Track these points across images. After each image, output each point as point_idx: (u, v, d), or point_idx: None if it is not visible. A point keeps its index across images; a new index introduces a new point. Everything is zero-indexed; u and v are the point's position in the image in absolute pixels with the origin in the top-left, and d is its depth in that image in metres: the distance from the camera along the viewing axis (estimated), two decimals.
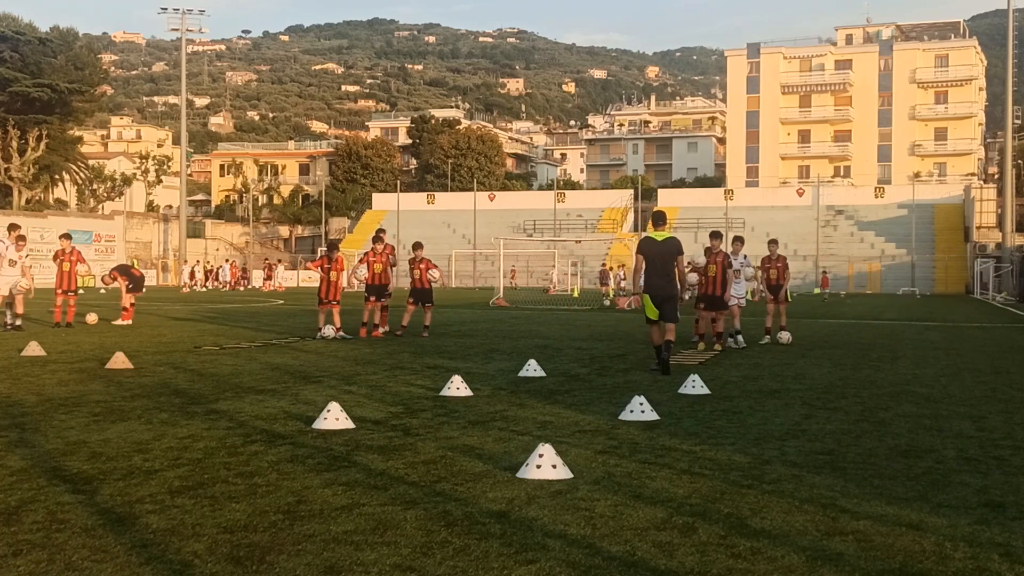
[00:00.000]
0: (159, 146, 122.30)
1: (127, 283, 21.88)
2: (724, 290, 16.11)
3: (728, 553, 4.34)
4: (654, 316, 12.13)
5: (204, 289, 59.03)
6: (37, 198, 78.81)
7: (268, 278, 62.83)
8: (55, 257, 20.40)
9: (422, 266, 18.43)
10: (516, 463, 6.11)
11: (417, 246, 18.66)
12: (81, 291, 24.38)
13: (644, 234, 12.81)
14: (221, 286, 63.20)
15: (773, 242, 17.89)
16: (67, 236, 21.00)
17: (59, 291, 20.29)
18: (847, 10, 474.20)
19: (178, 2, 74.05)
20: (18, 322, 18.60)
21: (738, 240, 17.42)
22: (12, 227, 19.38)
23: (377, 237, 18.54)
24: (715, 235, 16.49)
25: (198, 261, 70.47)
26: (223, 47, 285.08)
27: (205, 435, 7.19)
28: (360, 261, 18.50)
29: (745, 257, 17.24)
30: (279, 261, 74.76)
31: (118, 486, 5.49)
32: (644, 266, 12.27)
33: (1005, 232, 60.23)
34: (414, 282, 18.53)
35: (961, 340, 18.81)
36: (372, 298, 18.07)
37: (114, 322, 21.12)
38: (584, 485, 5.63)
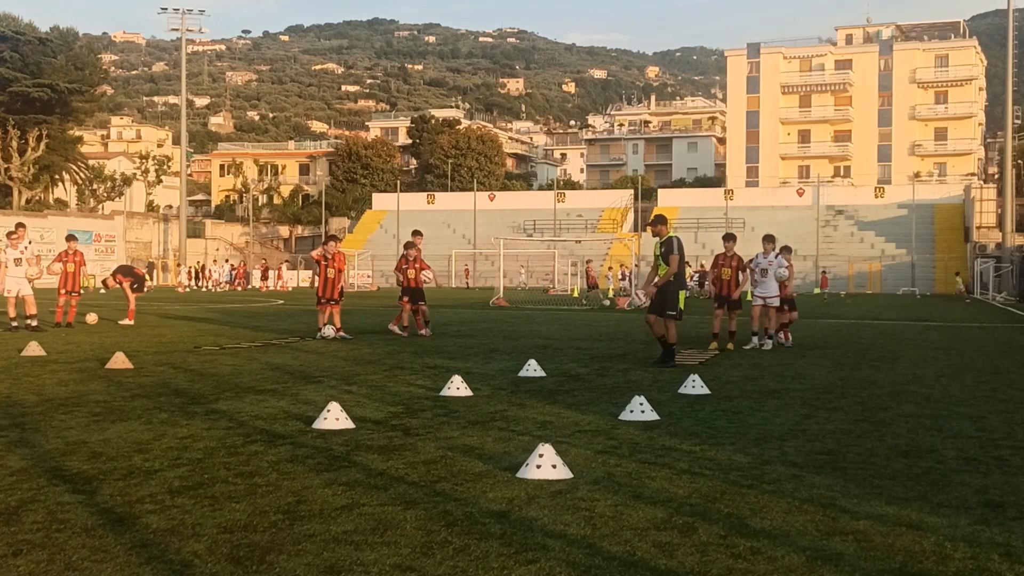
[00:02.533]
0: (159, 146, 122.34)
1: (131, 283, 21.96)
2: (738, 291, 16.10)
3: (728, 553, 4.34)
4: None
5: (212, 289, 58.99)
6: (37, 198, 78.80)
7: (264, 279, 62.94)
8: (59, 258, 20.39)
9: (417, 265, 18.41)
10: (516, 463, 6.11)
11: (409, 245, 18.64)
12: (81, 290, 24.28)
13: (676, 235, 12.86)
14: (223, 287, 63.19)
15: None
16: (73, 238, 21.04)
17: (62, 291, 20.31)
18: (847, 10, 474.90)
19: (178, 2, 74.10)
20: (33, 323, 18.51)
21: (768, 240, 16.52)
22: (18, 226, 19.26)
23: (417, 232, 18.85)
24: (729, 237, 16.36)
25: (215, 260, 70.46)
26: (223, 47, 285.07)
27: (205, 435, 7.19)
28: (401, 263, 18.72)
29: (777, 256, 16.44)
30: (268, 265, 74.68)
31: (118, 486, 5.49)
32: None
33: (1005, 232, 60.23)
34: (408, 281, 18.47)
35: (961, 340, 18.80)
36: (406, 299, 18.29)
37: (120, 322, 21.14)
38: (584, 485, 5.63)
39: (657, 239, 12.67)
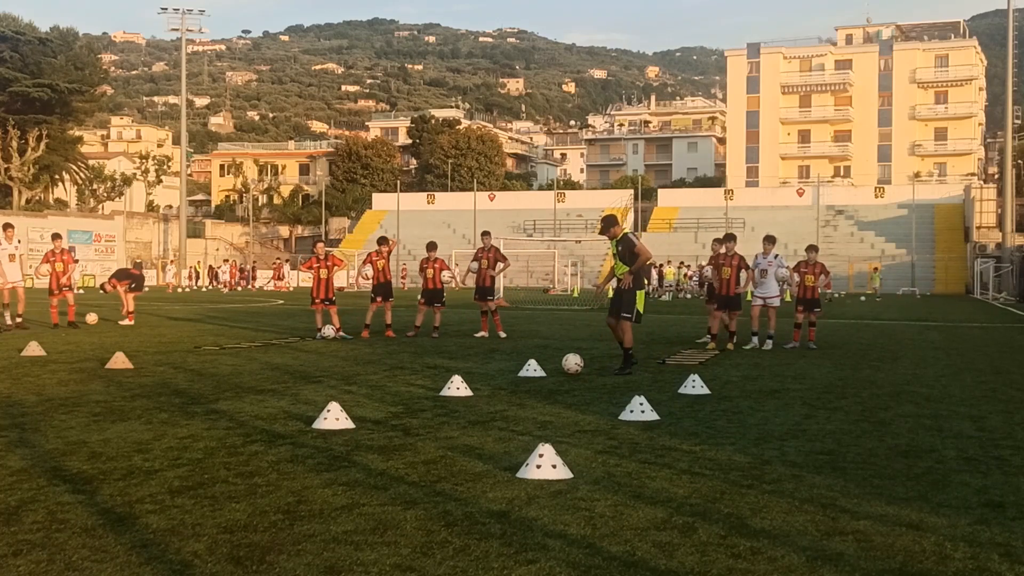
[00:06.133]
0: (159, 146, 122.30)
1: (129, 284, 21.95)
2: (737, 291, 16.07)
3: (728, 553, 4.34)
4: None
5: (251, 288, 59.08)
6: (37, 198, 78.82)
7: (247, 278, 63.31)
8: (45, 258, 20.34)
9: (436, 266, 18.37)
10: (516, 463, 6.12)
11: (431, 247, 18.61)
12: (81, 291, 24.28)
13: (636, 233, 12.46)
14: (222, 287, 63.16)
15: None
16: (58, 236, 20.92)
17: (54, 291, 20.19)
18: (847, 10, 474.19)
19: (178, 2, 74.03)
20: (16, 320, 18.50)
21: (769, 240, 16.53)
22: (6, 226, 19.37)
23: (486, 232, 18.91)
24: (729, 237, 16.35)
25: (226, 260, 70.49)
26: (223, 47, 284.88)
27: (205, 435, 7.19)
28: (473, 259, 18.61)
29: (777, 256, 16.48)
30: (282, 261, 74.66)
31: (118, 486, 5.49)
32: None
33: (1005, 232, 60.22)
34: (426, 282, 18.48)
35: (961, 340, 18.80)
36: (477, 297, 18.31)
37: (120, 322, 21.10)
38: (584, 485, 5.63)
39: (612, 240, 12.00)
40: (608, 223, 12.14)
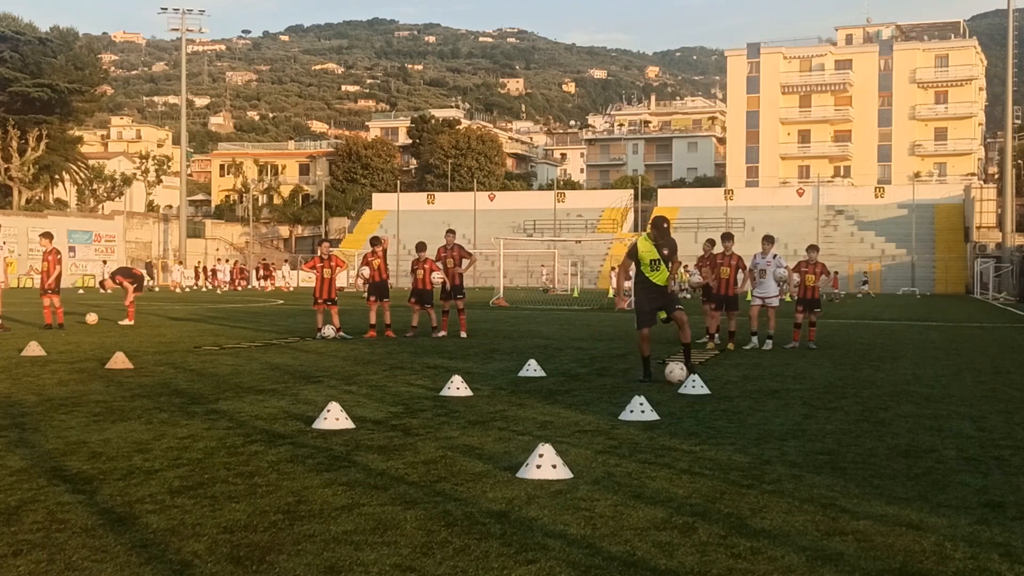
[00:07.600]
0: (159, 146, 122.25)
1: (131, 283, 22.00)
2: (736, 291, 16.07)
3: (728, 553, 4.34)
4: None
5: (207, 289, 59.07)
6: (37, 198, 78.82)
7: (247, 278, 63.38)
8: (43, 258, 20.29)
9: (426, 267, 18.35)
10: (516, 463, 6.12)
11: (420, 247, 18.59)
12: (81, 291, 24.20)
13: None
14: (217, 286, 63.18)
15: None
16: (46, 235, 20.19)
17: (41, 292, 20.05)
18: (847, 10, 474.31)
19: (178, 2, 74.09)
20: None
21: (768, 240, 16.39)
22: None
23: (451, 231, 18.71)
24: (727, 237, 16.35)
25: (219, 260, 70.50)
26: (223, 47, 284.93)
27: (205, 435, 7.19)
28: (436, 258, 18.44)
29: (776, 256, 16.36)
30: (269, 262, 74.62)
31: (118, 486, 5.49)
32: None
33: (1005, 232, 60.23)
34: (416, 283, 18.47)
35: (961, 340, 18.80)
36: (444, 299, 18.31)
37: (120, 322, 21.10)
38: (584, 485, 5.63)
39: (654, 241, 11.35)
40: (668, 224, 11.65)
